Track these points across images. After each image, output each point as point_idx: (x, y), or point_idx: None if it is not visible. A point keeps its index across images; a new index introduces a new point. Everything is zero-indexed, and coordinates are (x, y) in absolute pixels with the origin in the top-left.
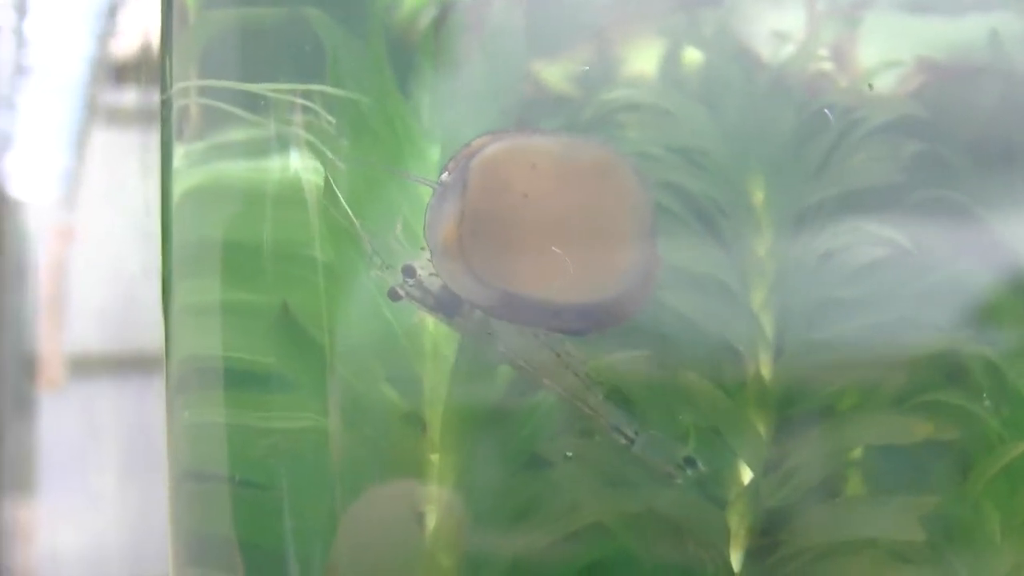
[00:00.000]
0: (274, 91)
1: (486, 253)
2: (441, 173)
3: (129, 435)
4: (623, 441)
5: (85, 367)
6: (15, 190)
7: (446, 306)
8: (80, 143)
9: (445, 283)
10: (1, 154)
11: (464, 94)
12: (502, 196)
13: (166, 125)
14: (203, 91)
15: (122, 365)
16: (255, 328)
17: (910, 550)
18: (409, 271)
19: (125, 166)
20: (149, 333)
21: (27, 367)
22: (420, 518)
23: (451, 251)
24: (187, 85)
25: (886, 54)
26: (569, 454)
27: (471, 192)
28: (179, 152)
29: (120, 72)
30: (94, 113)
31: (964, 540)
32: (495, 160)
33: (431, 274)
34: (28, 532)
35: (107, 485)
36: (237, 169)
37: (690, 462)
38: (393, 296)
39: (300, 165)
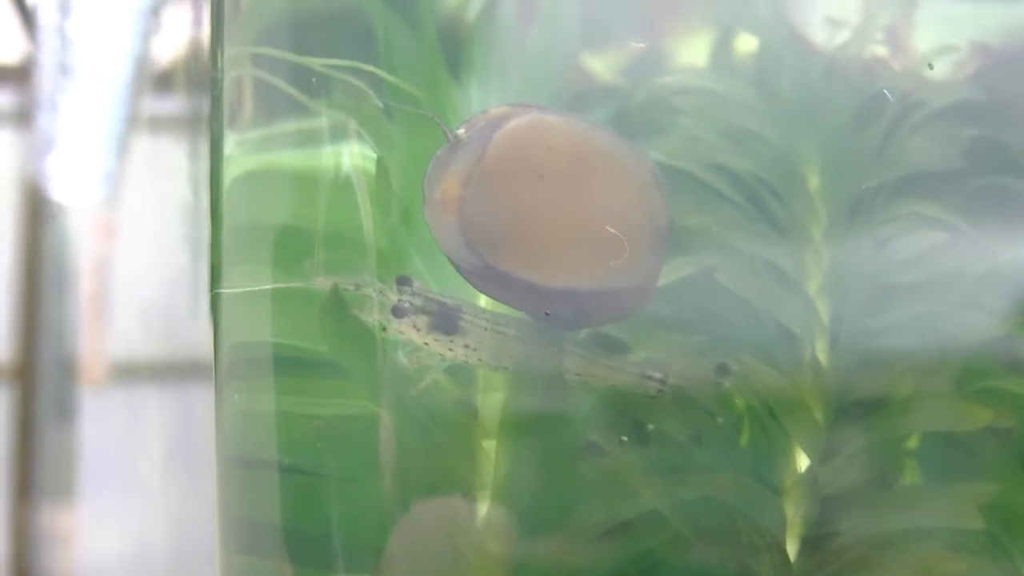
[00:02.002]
0: (326, 76)
1: (484, 221)
2: (457, 129)
3: (174, 436)
4: (655, 384)
5: (129, 369)
6: (57, 193)
7: (449, 313)
8: (123, 144)
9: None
10: (43, 156)
11: (514, 81)
12: (519, 172)
13: (217, 113)
14: (256, 79)
15: (166, 367)
16: (305, 314)
17: (968, 539)
18: (405, 280)
19: (169, 168)
20: (192, 334)
21: (67, 369)
22: (468, 528)
23: (449, 206)
24: (240, 74)
25: (941, 39)
26: (624, 439)
27: (488, 159)
28: (231, 140)
29: (163, 73)
30: (137, 114)
31: (1022, 528)
32: (519, 135)
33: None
34: (68, 536)
35: (152, 487)
36: (289, 156)
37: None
38: (398, 312)
39: (351, 151)
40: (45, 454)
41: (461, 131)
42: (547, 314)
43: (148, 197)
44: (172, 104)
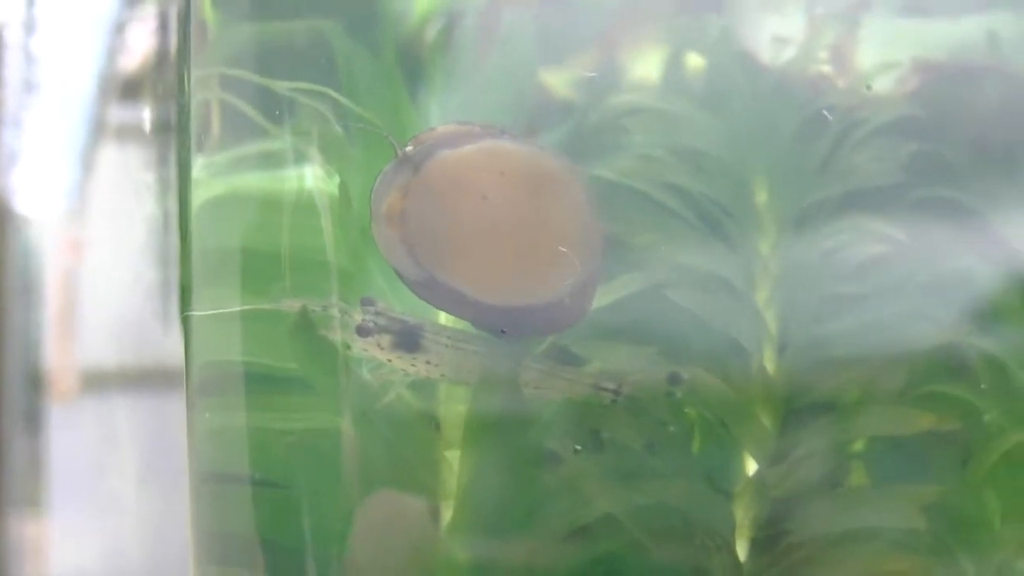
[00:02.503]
0: (290, 100)
1: (427, 233)
2: (405, 146)
3: (147, 446)
4: (609, 395)
5: (99, 381)
6: (21, 205)
7: (410, 331)
8: (87, 158)
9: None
10: (7, 170)
11: (472, 102)
12: (461, 189)
13: (184, 137)
14: (223, 103)
15: (137, 378)
16: (274, 333)
17: (913, 539)
18: (368, 301)
19: (135, 180)
20: (162, 345)
21: (35, 381)
22: (431, 515)
23: (393, 219)
24: (207, 98)
25: (884, 56)
26: (578, 448)
27: (426, 173)
28: (198, 163)
29: (129, 83)
30: (101, 128)
31: (965, 529)
32: (463, 153)
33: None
34: (37, 547)
35: (124, 497)
36: (255, 179)
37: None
38: (363, 332)
39: (314, 174)
40: (13, 465)
41: (409, 148)
42: (503, 331)
43: (113, 209)
44: (138, 114)
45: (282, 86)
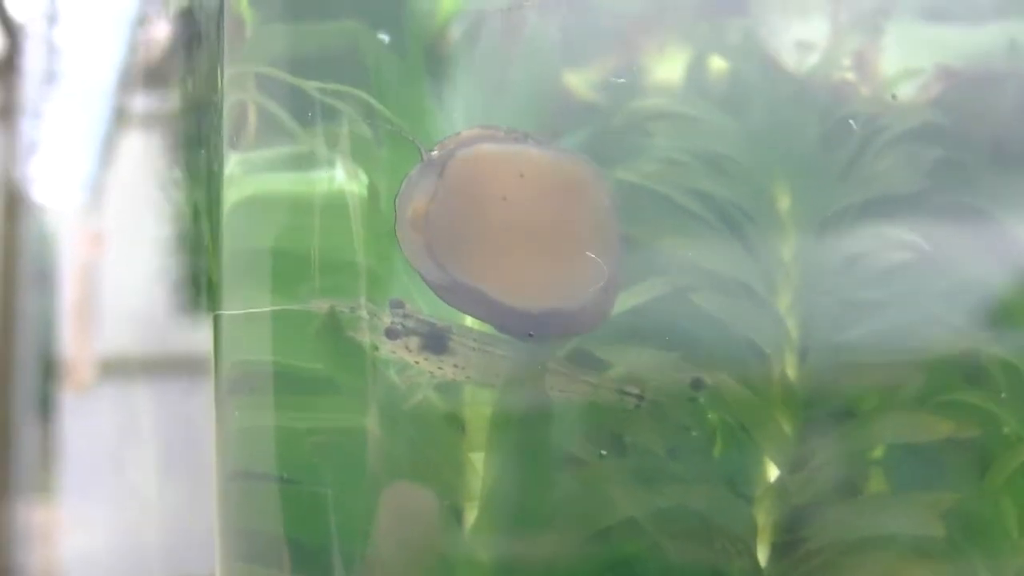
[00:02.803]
0: (321, 103)
1: (450, 237)
2: (431, 150)
3: (165, 437)
4: (633, 400)
5: (117, 370)
6: (38, 195)
7: (438, 334)
8: (106, 149)
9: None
10: (26, 160)
11: (497, 102)
12: (482, 192)
13: (216, 136)
14: (257, 104)
15: (155, 368)
16: (303, 334)
17: (930, 546)
18: (397, 303)
19: (156, 170)
20: (181, 336)
21: (50, 370)
22: (440, 505)
23: (417, 224)
24: (241, 96)
25: (907, 62)
26: (604, 452)
27: (449, 178)
28: (231, 161)
29: (150, 76)
30: (121, 119)
31: (983, 536)
32: (483, 157)
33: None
34: (47, 534)
35: (143, 485)
36: (286, 180)
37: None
38: (392, 335)
39: (344, 175)
40: (24, 452)
41: (434, 152)
42: (530, 335)
43: (134, 198)
44: (159, 103)
45: (313, 86)
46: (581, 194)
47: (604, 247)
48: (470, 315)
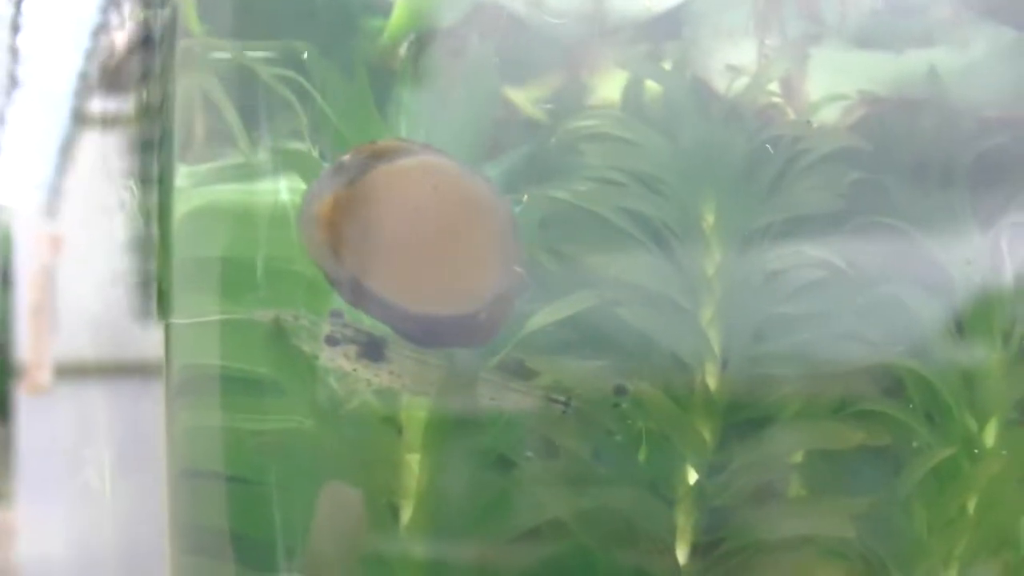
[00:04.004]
0: (265, 118)
1: (357, 238)
2: (343, 156)
3: (121, 438)
4: (560, 407)
5: (74, 373)
6: None
7: (375, 343)
8: (66, 153)
9: (367, 327)
10: None
11: (440, 118)
12: (397, 200)
13: (166, 148)
14: (204, 117)
15: (111, 371)
16: (249, 339)
17: (844, 547)
18: (336, 313)
19: (113, 172)
20: (137, 339)
21: (6, 373)
22: (384, 510)
23: (324, 222)
24: (189, 112)
25: (832, 87)
26: (530, 454)
27: (367, 183)
28: (182, 172)
29: (108, 79)
30: (80, 121)
31: (894, 538)
32: (400, 168)
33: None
34: (7, 534)
35: (97, 487)
36: (232, 191)
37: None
38: (331, 341)
39: (288, 187)
40: None
41: (346, 157)
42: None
43: (90, 201)
44: (117, 105)
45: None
46: (485, 210)
47: (502, 262)
48: (367, 314)
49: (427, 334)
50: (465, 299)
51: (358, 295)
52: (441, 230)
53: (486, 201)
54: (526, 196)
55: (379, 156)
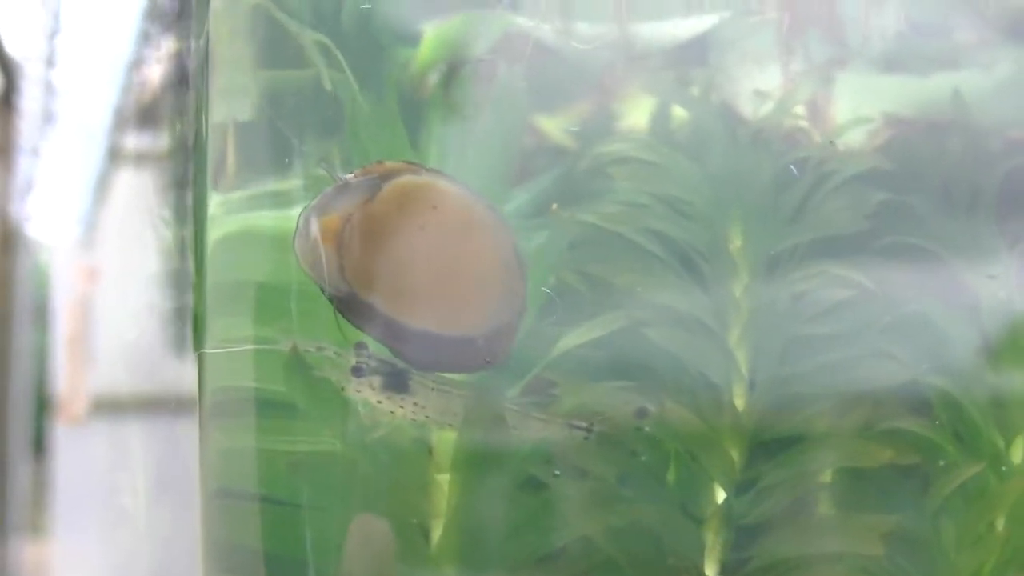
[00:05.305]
0: (298, 146)
1: (361, 254)
2: (347, 175)
3: (156, 469)
4: (581, 433)
5: (110, 405)
6: (34, 231)
7: (400, 374)
8: (101, 187)
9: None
10: (23, 197)
11: (470, 145)
12: (402, 218)
13: (200, 176)
14: (237, 146)
15: (147, 403)
16: (280, 362)
17: (872, 564)
18: (362, 345)
19: (149, 207)
20: (173, 371)
21: (44, 406)
22: (414, 530)
23: (328, 236)
24: (222, 139)
25: (857, 110)
26: (557, 473)
27: (377, 202)
28: (215, 200)
29: (144, 115)
30: (116, 157)
31: (922, 555)
32: (409, 189)
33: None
34: (43, 568)
35: (133, 519)
36: (267, 218)
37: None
38: (357, 372)
39: None
40: (16, 487)
41: (350, 176)
42: (488, 361)
43: (126, 236)
44: (152, 142)
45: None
46: (488, 234)
47: (502, 288)
48: (362, 330)
49: (426, 355)
50: (464, 321)
51: (358, 313)
52: (441, 251)
53: (488, 225)
54: (555, 206)
55: (384, 176)
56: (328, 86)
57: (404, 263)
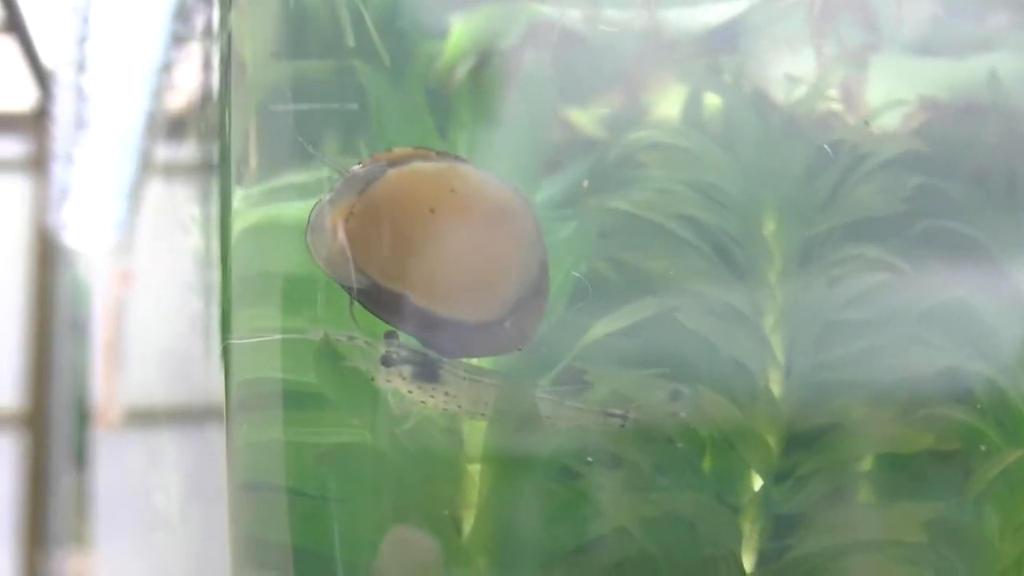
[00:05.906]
0: (321, 137)
1: (375, 242)
2: (355, 166)
3: (190, 477)
4: (617, 421)
5: (145, 411)
6: (71, 240)
7: (430, 363)
8: (135, 194)
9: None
10: (58, 206)
11: (498, 138)
12: (411, 202)
13: (225, 167)
14: (260, 139)
15: (181, 408)
16: (308, 353)
17: (914, 552)
18: (392, 334)
19: (181, 215)
20: (206, 377)
21: (82, 417)
22: (439, 550)
23: (338, 230)
24: (246, 131)
25: (891, 94)
26: (590, 460)
27: (380, 187)
28: (238, 193)
29: (174, 126)
30: (150, 163)
31: (965, 542)
32: (419, 172)
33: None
34: None
35: (169, 529)
36: (293, 208)
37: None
38: (387, 362)
39: None
40: (59, 499)
41: (356, 166)
42: (517, 343)
43: (159, 243)
44: (184, 151)
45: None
46: (510, 218)
47: (526, 268)
48: (388, 322)
49: (453, 342)
50: (488, 304)
51: (380, 303)
52: (459, 232)
53: (510, 206)
54: (585, 182)
55: (393, 162)
56: (351, 43)
57: (419, 247)
